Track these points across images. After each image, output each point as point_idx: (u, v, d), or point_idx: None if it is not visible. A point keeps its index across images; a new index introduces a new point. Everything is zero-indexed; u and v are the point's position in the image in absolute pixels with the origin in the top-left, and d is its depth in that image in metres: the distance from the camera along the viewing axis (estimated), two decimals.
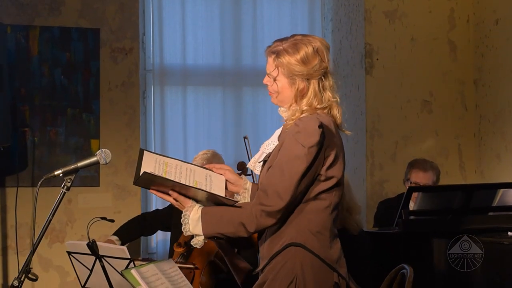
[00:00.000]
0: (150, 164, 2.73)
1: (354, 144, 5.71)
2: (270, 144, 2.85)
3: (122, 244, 4.73)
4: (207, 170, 2.91)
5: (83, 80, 5.42)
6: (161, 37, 5.73)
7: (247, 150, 4.55)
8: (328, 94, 2.80)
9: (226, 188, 2.89)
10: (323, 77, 2.80)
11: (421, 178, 4.90)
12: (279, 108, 2.87)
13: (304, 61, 2.75)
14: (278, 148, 2.74)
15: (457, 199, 4.39)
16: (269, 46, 2.84)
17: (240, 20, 5.91)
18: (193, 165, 2.88)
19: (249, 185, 2.94)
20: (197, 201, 2.76)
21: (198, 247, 2.78)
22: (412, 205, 4.82)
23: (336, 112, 2.81)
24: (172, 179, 2.71)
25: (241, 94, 5.87)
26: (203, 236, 2.72)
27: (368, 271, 4.32)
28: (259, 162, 2.88)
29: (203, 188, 2.76)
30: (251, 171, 4.29)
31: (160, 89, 5.72)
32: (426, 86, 5.81)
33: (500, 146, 5.54)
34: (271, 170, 2.71)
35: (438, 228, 4.32)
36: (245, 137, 4.31)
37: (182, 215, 2.73)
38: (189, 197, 2.75)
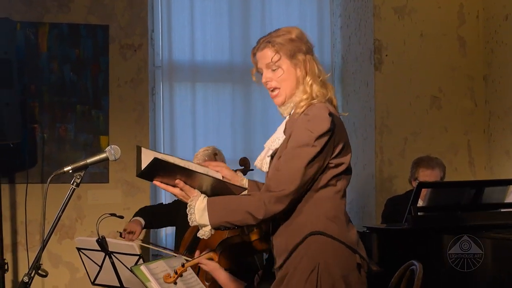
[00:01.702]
0: (150, 159, 2.73)
1: (363, 140, 5.70)
2: (275, 140, 2.84)
3: (145, 226, 4.72)
4: (204, 167, 2.91)
5: (92, 76, 5.43)
6: (170, 33, 5.74)
7: (251, 166, 4.52)
8: (322, 70, 2.83)
9: None
10: (314, 54, 2.84)
11: (428, 176, 4.87)
12: (279, 107, 2.86)
13: (299, 37, 2.79)
14: (286, 140, 2.73)
15: (467, 195, 4.38)
16: (256, 46, 2.84)
17: (249, 16, 5.91)
18: (190, 162, 2.89)
19: (245, 181, 2.94)
20: (202, 191, 2.75)
21: (205, 238, 2.74)
22: (420, 203, 4.81)
23: (331, 90, 2.81)
24: (179, 164, 2.71)
25: (250, 90, 5.86)
26: (209, 226, 2.69)
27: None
28: (267, 157, 2.86)
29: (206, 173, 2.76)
30: (254, 166, 4.28)
31: (169, 85, 5.72)
32: (435, 82, 5.79)
33: (510, 142, 5.52)
34: (281, 158, 2.70)
35: (447, 225, 4.30)
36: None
37: (188, 205, 2.71)
38: (194, 188, 2.74)
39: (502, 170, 5.58)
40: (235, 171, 4.52)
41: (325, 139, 2.65)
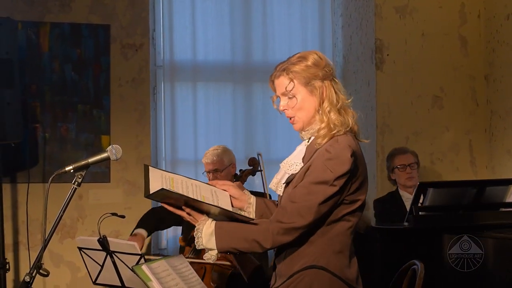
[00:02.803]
0: (157, 179, 2.72)
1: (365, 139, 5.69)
2: (293, 165, 2.79)
3: (149, 235, 4.74)
4: (211, 186, 2.90)
5: (93, 76, 5.43)
6: (171, 33, 5.74)
7: (260, 167, 4.51)
8: (342, 96, 2.77)
9: (231, 204, 2.89)
10: (334, 79, 2.78)
11: (403, 159, 5.13)
12: (300, 132, 2.82)
13: (316, 64, 2.74)
14: (304, 170, 2.70)
15: (468, 195, 4.38)
16: (273, 73, 2.80)
17: (250, 15, 5.91)
18: (197, 181, 2.88)
19: (253, 199, 2.93)
20: (209, 215, 2.75)
21: (211, 262, 2.76)
22: (409, 197, 4.89)
23: (352, 117, 2.77)
24: (189, 196, 2.70)
25: (251, 90, 5.87)
26: (216, 251, 2.69)
27: (377, 269, 4.31)
28: (282, 184, 2.83)
29: (213, 203, 2.75)
30: (262, 167, 4.27)
31: (170, 85, 5.72)
32: (437, 81, 5.79)
33: (511, 141, 5.51)
34: (296, 189, 2.68)
35: (449, 224, 4.30)
36: (259, 154, 4.28)
37: (195, 229, 2.71)
38: (202, 212, 2.74)
39: (504, 170, 5.58)
40: (243, 171, 4.53)
41: (343, 180, 2.63)
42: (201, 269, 4.24)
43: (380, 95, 5.70)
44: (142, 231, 4.73)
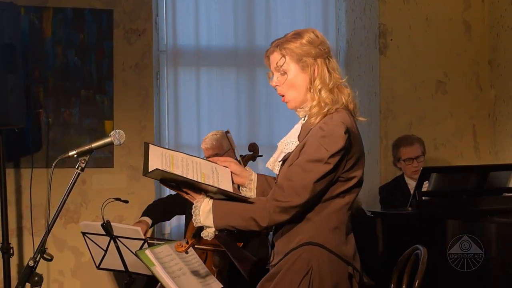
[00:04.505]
0: (157, 157, 2.72)
1: (368, 125, 5.69)
2: (288, 144, 2.80)
3: (154, 223, 4.77)
4: (212, 163, 2.89)
5: (96, 61, 5.43)
6: (174, 18, 5.72)
7: (231, 144, 4.47)
8: (336, 75, 2.77)
9: (232, 180, 2.89)
10: (328, 58, 2.77)
11: (410, 152, 5.03)
12: (296, 112, 2.83)
13: (310, 42, 2.74)
14: (299, 148, 2.70)
15: (472, 180, 4.38)
16: (268, 49, 2.81)
17: (253, 0, 5.88)
18: (198, 158, 2.87)
19: (254, 176, 2.93)
20: (207, 193, 2.75)
21: (209, 239, 2.77)
22: (410, 182, 4.89)
23: (347, 95, 2.77)
24: (183, 175, 2.69)
25: (254, 75, 5.85)
26: (213, 228, 2.70)
27: (379, 254, 4.32)
28: (278, 162, 2.84)
29: (211, 181, 2.75)
30: (233, 145, 4.25)
31: (173, 70, 5.71)
32: (441, 66, 5.78)
33: None
34: (291, 167, 2.68)
35: (452, 209, 4.31)
36: (227, 132, 4.26)
37: (193, 206, 2.71)
38: (200, 190, 2.74)
39: (507, 155, 5.57)
40: (243, 157, 4.53)
41: (338, 157, 2.63)
42: (203, 254, 4.25)
43: (383, 80, 5.69)
44: (147, 219, 4.76)
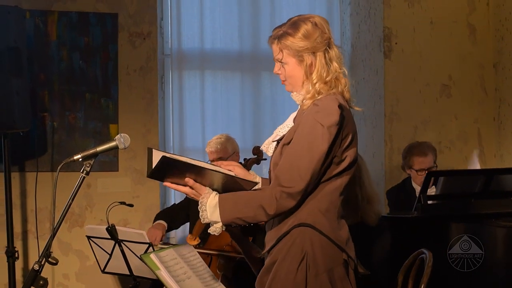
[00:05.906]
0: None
1: (373, 128, 5.69)
2: (284, 127, 2.84)
3: (169, 228, 4.79)
4: (216, 167, 2.90)
5: (101, 65, 5.43)
6: (179, 21, 5.73)
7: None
8: (335, 65, 2.79)
9: None
10: (328, 48, 2.79)
11: (422, 163, 4.88)
12: (291, 94, 2.86)
13: (306, 36, 2.76)
14: (294, 129, 2.72)
15: (477, 183, 4.37)
16: (270, 37, 2.86)
17: (258, 4, 5.89)
18: (201, 162, 2.88)
19: (259, 179, 2.93)
20: (213, 189, 2.75)
21: (216, 235, 2.76)
22: (417, 188, 4.84)
23: (343, 85, 2.80)
24: (190, 162, 2.70)
25: (259, 79, 5.86)
26: (221, 223, 2.70)
27: (388, 259, 4.31)
28: (272, 142, 2.87)
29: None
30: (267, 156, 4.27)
31: (178, 74, 5.72)
32: (445, 70, 5.77)
33: None
34: (289, 150, 2.69)
35: (457, 213, 4.30)
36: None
37: (199, 202, 2.71)
38: (205, 186, 2.74)
39: None
40: (247, 160, 4.53)
41: (334, 130, 2.64)
42: (208, 258, 4.25)
43: (388, 84, 5.69)
44: (163, 222, 4.77)
